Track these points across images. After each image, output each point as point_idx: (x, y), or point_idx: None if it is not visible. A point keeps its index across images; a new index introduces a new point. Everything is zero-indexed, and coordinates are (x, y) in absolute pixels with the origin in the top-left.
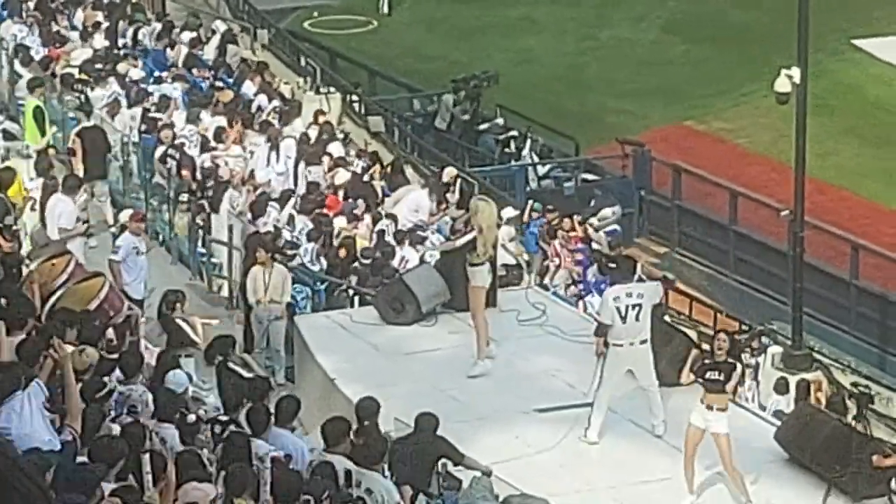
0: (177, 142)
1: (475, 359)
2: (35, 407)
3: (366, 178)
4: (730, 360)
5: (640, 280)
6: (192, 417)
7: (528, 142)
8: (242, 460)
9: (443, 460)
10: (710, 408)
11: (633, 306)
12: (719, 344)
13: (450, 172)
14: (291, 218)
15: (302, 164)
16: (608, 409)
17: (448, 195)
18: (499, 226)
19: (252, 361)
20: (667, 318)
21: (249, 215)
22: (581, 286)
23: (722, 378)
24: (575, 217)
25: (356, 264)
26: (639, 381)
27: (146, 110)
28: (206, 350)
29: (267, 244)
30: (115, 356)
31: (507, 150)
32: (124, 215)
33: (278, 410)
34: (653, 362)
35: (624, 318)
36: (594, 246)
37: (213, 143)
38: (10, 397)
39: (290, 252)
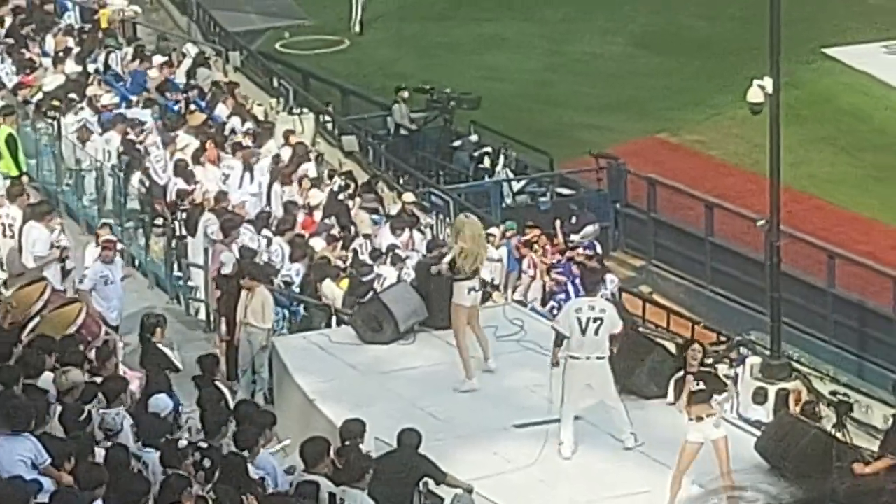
0: (146, 166)
1: (464, 377)
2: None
3: (341, 196)
4: (702, 369)
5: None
6: (183, 443)
7: (503, 158)
8: (239, 482)
9: (425, 479)
10: (700, 419)
11: (594, 320)
12: (693, 354)
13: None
14: (268, 240)
15: (276, 185)
16: (588, 423)
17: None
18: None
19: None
20: (641, 329)
21: (221, 236)
22: (562, 297)
23: (704, 387)
24: (553, 230)
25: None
26: (599, 397)
27: (125, 134)
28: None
29: (252, 269)
30: (99, 380)
31: (481, 166)
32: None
33: (255, 426)
34: (612, 379)
35: (583, 331)
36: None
37: (190, 167)
38: (18, 436)
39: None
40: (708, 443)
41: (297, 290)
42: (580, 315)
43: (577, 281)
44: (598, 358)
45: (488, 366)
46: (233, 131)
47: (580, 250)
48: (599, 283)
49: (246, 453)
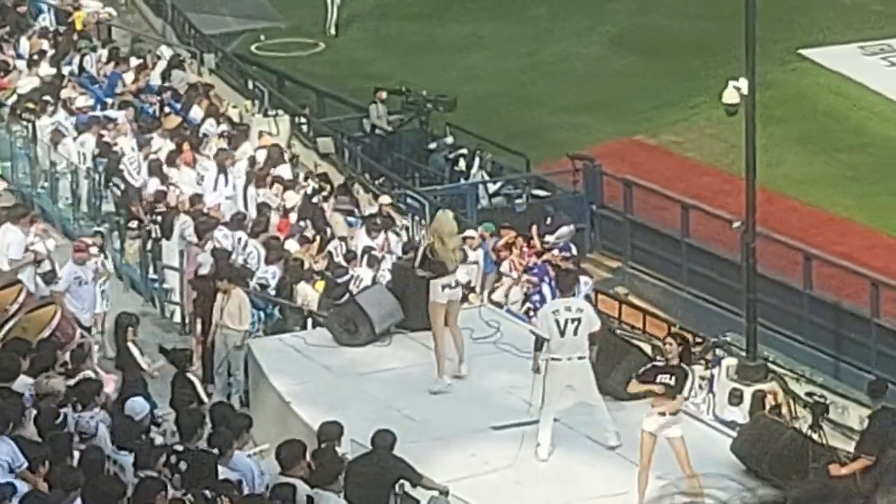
0: (120, 168)
1: (437, 375)
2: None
3: (315, 199)
4: (681, 364)
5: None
6: (158, 440)
7: (477, 160)
8: (209, 483)
9: (400, 481)
10: (662, 414)
11: (573, 320)
12: (668, 348)
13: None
14: (244, 242)
15: (252, 187)
16: (564, 425)
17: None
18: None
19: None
20: (617, 331)
21: (195, 238)
22: (537, 298)
23: (673, 382)
24: (529, 232)
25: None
26: (580, 398)
27: (100, 136)
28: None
29: (228, 271)
30: (73, 383)
31: (456, 168)
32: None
33: (230, 428)
34: (593, 378)
35: (562, 332)
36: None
37: (165, 169)
38: None
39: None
40: (664, 442)
41: (273, 292)
42: (558, 317)
43: (552, 282)
44: (580, 358)
45: (459, 371)
46: (205, 135)
47: (556, 252)
48: (574, 285)
49: (216, 451)
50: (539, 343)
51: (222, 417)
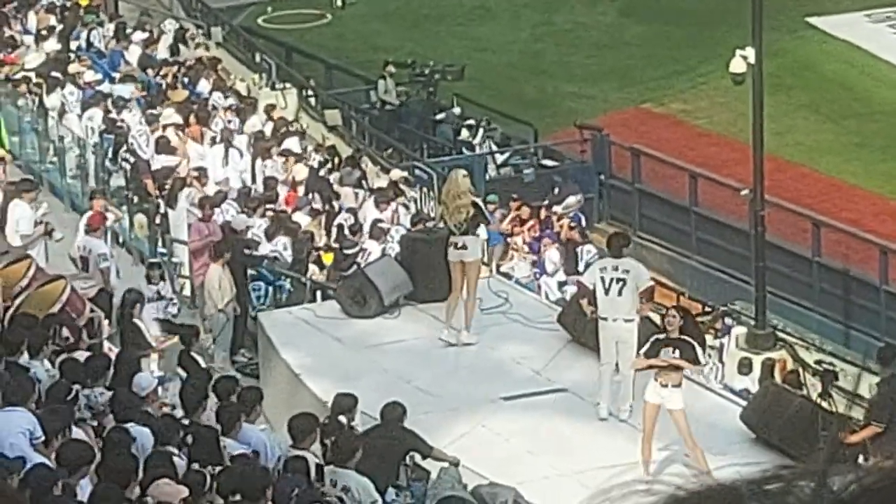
0: (129, 142)
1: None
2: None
3: (322, 172)
4: (683, 337)
5: None
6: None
7: (481, 130)
8: (213, 458)
9: (411, 453)
10: (664, 385)
11: (617, 280)
12: (670, 321)
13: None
14: (250, 215)
15: (259, 161)
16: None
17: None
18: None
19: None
20: None
21: (199, 213)
22: (537, 269)
23: (678, 355)
24: (534, 205)
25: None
26: (619, 359)
27: (107, 111)
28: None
29: (231, 245)
30: (82, 358)
31: (459, 138)
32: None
33: (241, 402)
34: (635, 347)
35: (607, 290)
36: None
37: (172, 142)
38: (16, 408)
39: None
40: (666, 413)
41: (289, 264)
42: (604, 274)
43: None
44: (626, 321)
45: (461, 339)
46: (214, 108)
47: (564, 221)
48: (624, 247)
49: (219, 426)
50: (581, 291)
51: (229, 391)
